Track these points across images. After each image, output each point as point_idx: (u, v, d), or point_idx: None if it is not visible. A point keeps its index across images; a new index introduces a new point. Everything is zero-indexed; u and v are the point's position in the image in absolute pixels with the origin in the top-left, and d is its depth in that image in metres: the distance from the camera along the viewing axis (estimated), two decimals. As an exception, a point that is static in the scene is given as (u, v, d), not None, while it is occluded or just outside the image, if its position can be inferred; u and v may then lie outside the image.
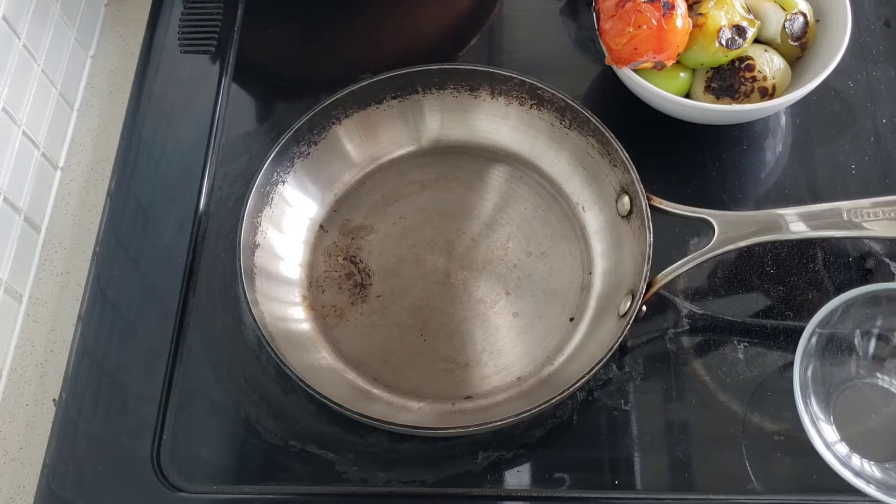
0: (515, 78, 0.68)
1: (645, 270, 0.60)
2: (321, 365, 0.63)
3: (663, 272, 0.61)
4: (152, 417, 0.62)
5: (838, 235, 0.61)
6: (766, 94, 0.67)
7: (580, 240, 0.68)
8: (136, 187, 0.71)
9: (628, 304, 0.60)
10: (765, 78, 0.66)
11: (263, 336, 0.59)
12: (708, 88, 0.68)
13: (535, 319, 0.65)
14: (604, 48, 0.67)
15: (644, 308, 0.60)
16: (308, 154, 0.68)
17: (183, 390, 0.63)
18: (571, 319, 0.65)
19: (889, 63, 0.76)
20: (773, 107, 0.66)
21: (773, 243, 0.63)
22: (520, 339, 0.64)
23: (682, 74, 0.68)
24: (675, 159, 0.72)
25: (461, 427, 0.57)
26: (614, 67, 0.68)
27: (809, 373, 0.58)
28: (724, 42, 0.65)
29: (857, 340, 0.60)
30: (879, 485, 0.55)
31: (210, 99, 0.75)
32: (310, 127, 0.68)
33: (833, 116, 0.74)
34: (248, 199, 0.64)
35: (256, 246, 0.64)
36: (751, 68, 0.66)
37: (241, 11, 0.80)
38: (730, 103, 0.67)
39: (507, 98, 0.69)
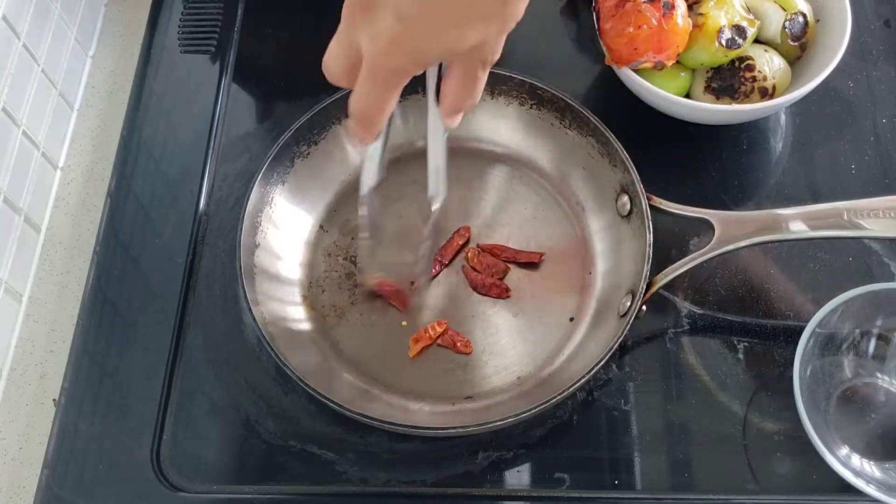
0: (515, 78, 0.68)
1: (645, 270, 0.60)
2: (321, 365, 0.63)
3: (663, 272, 0.61)
4: (152, 417, 0.62)
5: (838, 235, 0.61)
6: (766, 94, 0.67)
7: (580, 240, 0.68)
8: (136, 187, 0.71)
9: (628, 304, 0.60)
10: (765, 78, 0.66)
11: (263, 336, 0.59)
12: (708, 88, 0.68)
13: (535, 319, 0.65)
14: (604, 48, 0.67)
15: (644, 308, 0.60)
16: (308, 154, 0.68)
17: (183, 390, 0.63)
18: (571, 319, 0.65)
19: (889, 63, 0.76)
20: (773, 107, 0.66)
21: (773, 243, 0.63)
22: (520, 339, 0.64)
23: (682, 74, 0.68)
24: (675, 159, 0.72)
25: (461, 427, 0.57)
26: (614, 67, 0.68)
27: (809, 373, 0.58)
28: (724, 42, 0.65)
29: (857, 340, 0.60)
30: (879, 485, 0.55)
31: (210, 99, 0.75)
32: (310, 127, 0.68)
33: (833, 116, 0.74)
34: (248, 199, 0.64)
35: (256, 246, 0.64)
36: (751, 68, 0.66)
37: (241, 11, 0.80)
38: (730, 103, 0.67)
39: (507, 98, 0.69)
